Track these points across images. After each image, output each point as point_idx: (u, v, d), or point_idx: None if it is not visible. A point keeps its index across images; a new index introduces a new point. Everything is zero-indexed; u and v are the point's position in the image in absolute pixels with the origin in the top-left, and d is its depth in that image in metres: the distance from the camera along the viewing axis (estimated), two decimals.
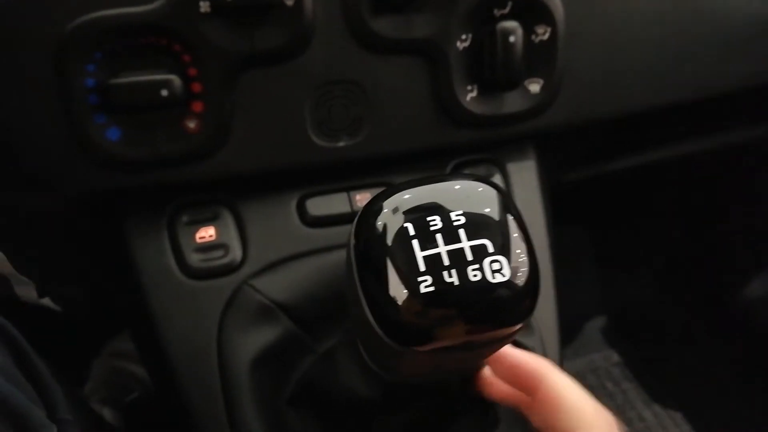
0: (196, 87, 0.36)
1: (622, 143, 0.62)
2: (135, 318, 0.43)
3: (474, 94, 0.41)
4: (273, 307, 0.38)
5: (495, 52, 0.39)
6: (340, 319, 0.40)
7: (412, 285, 0.21)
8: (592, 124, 0.45)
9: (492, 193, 0.23)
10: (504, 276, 0.22)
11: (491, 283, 0.21)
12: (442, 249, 0.22)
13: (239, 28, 0.36)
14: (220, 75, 0.36)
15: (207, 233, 0.40)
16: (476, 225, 0.22)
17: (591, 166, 0.66)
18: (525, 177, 0.45)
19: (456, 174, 0.24)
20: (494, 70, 0.40)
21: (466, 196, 0.23)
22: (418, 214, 0.22)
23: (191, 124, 0.37)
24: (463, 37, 0.39)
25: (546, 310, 0.43)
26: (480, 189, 0.23)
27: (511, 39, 0.39)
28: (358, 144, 0.40)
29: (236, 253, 0.40)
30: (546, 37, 0.40)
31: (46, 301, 0.44)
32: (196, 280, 0.39)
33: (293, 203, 0.42)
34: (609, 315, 1.06)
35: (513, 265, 0.22)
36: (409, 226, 0.22)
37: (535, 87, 0.41)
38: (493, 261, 0.22)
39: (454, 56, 0.39)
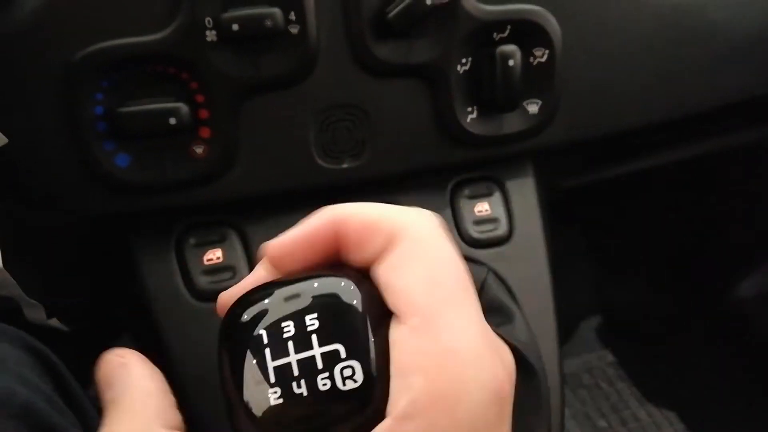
0: (204, 113, 0.37)
1: (619, 151, 0.63)
2: (144, 335, 0.43)
3: (474, 115, 0.42)
4: None
5: (494, 75, 0.40)
6: None
7: (261, 396, 0.21)
8: (589, 141, 0.46)
9: (351, 290, 0.22)
10: (356, 382, 0.20)
11: (341, 391, 0.20)
12: (293, 358, 0.21)
13: (245, 55, 0.36)
14: (226, 101, 0.37)
15: (214, 255, 0.41)
16: (330, 329, 0.21)
17: (588, 173, 0.67)
18: (524, 194, 0.46)
19: (322, 271, 0.23)
20: (494, 92, 0.41)
21: (324, 296, 0.22)
22: (275, 320, 0.21)
23: (198, 150, 0.38)
24: (463, 60, 0.40)
25: (546, 332, 0.44)
26: (341, 285, 0.22)
27: (511, 63, 0.40)
28: (362, 165, 0.41)
29: (243, 274, 0.40)
30: (544, 59, 0.41)
31: (54, 322, 0.45)
32: (205, 302, 0.40)
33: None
34: (604, 315, 1.07)
35: (366, 368, 0.20)
36: (264, 333, 0.21)
37: (533, 108, 0.42)
38: (344, 367, 0.20)
39: (455, 79, 0.40)
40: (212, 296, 0.40)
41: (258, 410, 0.21)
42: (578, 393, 1.00)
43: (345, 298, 0.21)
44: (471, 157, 0.43)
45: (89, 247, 0.53)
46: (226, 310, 0.23)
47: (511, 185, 0.46)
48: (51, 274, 0.53)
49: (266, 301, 0.22)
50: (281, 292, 0.22)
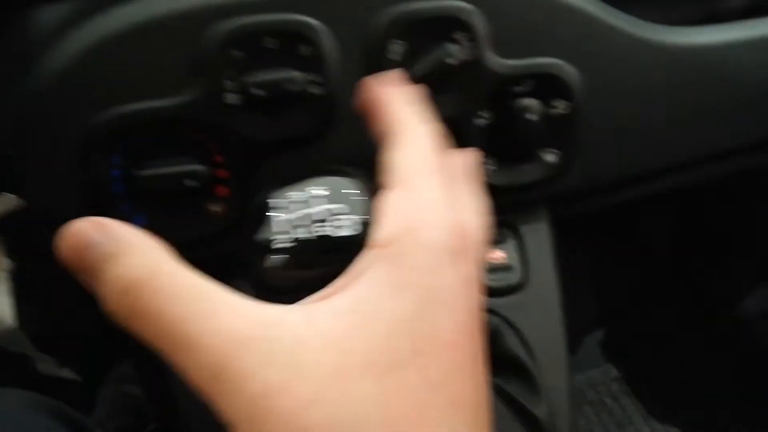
0: (222, 173, 0.37)
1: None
2: (151, 381, 0.43)
3: (491, 166, 0.42)
4: None
5: (514, 129, 0.40)
6: None
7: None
8: (605, 186, 0.46)
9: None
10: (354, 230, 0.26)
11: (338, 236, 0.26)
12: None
13: (267, 117, 0.36)
14: (246, 161, 0.37)
15: None
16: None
17: (595, 201, 0.67)
18: (538, 240, 0.46)
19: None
20: (513, 145, 0.40)
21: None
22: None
23: (216, 208, 0.37)
24: (484, 114, 0.40)
25: (558, 386, 0.44)
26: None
27: (530, 117, 0.39)
28: None
29: None
30: (564, 111, 0.41)
31: (66, 373, 0.45)
32: None
33: None
34: (607, 330, 1.08)
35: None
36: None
37: (551, 157, 0.42)
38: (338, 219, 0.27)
39: (474, 133, 0.40)
40: None
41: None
42: (582, 409, 1.01)
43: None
44: (487, 204, 0.43)
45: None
46: None
47: (525, 231, 0.46)
48: (57, 314, 0.53)
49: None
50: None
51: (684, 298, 0.97)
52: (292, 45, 0.35)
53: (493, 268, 0.44)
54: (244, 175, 0.37)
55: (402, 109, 0.30)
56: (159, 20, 0.34)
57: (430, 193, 0.26)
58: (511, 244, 0.45)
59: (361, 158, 0.40)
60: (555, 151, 0.42)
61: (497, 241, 0.45)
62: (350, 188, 0.29)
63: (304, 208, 0.27)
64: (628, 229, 1.00)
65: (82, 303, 0.62)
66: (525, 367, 0.39)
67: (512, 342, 0.41)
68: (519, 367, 0.39)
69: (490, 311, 0.43)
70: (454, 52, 0.37)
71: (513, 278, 0.44)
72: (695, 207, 0.89)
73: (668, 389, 1.00)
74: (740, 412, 0.89)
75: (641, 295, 1.03)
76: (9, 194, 0.36)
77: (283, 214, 0.27)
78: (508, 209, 0.45)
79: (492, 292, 0.44)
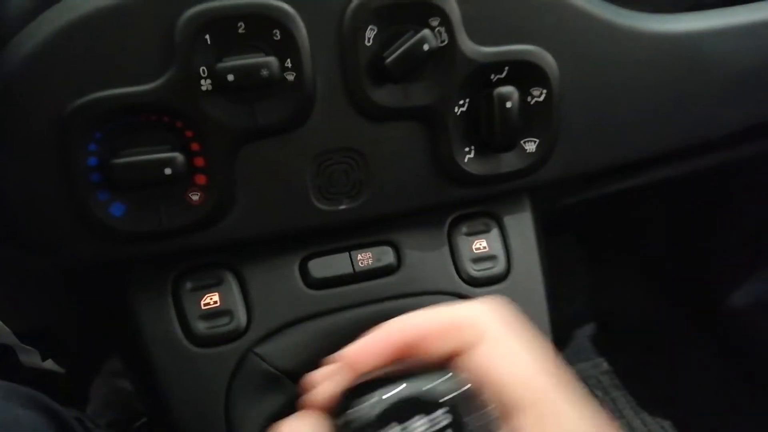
0: (199, 161, 0.37)
1: (615, 172, 0.63)
2: (140, 377, 0.43)
3: (471, 155, 0.41)
4: (279, 375, 0.39)
5: (492, 116, 0.40)
6: None
7: None
8: (586, 175, 0.46)
9: (463, 385, 0.23)
10: None
11: None
12: None
13: (241, 104, 0.36)
14: (222, 149, 0.37)
15: (211, 299, 0.40)
16: (462, 423, 0.22)
17: (586, 192, 0.67)
18: (521, 229, 0.46)
19: (413, 367, 0.24)
20: (491, 132, 0.40)
21: (444, 392, 0.23)
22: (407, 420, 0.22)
23: (195, 197, 0.37)
24: (461, 102, 0.40)
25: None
26: (453, 381, 0.23)
27: (508, 104, 0.39)
28: (359, 206, 0.41)
29: (241, 319, 0.40)
30: (541, 98, 0.41)
31: (49, 364, 0.45)
32: (202, 347, 0.39)
33: (295, 265, 0.42)
34: (598, 323, 1.08)
35: None
36: None
37: (531, 146, 0.42)
38: None
39: (452, 120, 0.40)
40: (210, 342, 0.40)
41: None
42: None
43: (461, 392, 0.22)
44: (468, 195, 0.43)
45: (79, 281, 0.53)
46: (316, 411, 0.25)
47: (509, 221, 0.46)
48: (40, 304, 0.52)
49: (383, 398, 0.23)
50: (398, 392, 0.23)
51: (675, 292, 0.97)
52: (265, 30, 0.35)
53: (477, 258, 0.44)
54: (222, 164, 0.37)
55: (464, 308, 0.27)
56: (129, 4, 0.34)
57: (577, 417, 0.23)
58: (494, 233, 0.45)
59: (340, 147, 0.41)
60: (534, 140, 0.42)
61: (480, 231, 0.45)
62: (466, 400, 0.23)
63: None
64: (619, 224, 1.00)
65: (71, 298, 0.62)
66: None
67: None
68: None
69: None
70: (429, 38, 0.37)
71: (497, 268, 0.44)
72: (686, 201, 0.89)
73: (658, 382, 1.00)
74: (730, 404, 0.89)
75: (632, 289, 1.03)
76: None
77: None
78: (490, 199, 0.45)
79: (475, 282, 0.44)
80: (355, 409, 0.23)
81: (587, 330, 1.08)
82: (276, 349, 0.40)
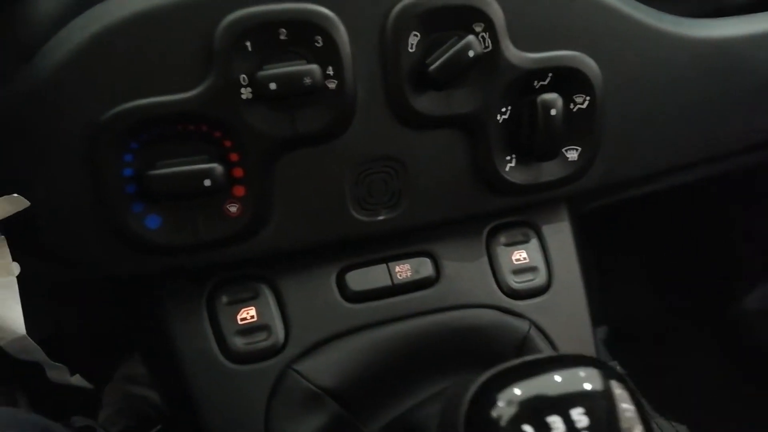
0: (238, 172, 0.35)
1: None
2: (171, 391, 0.42)
3: (512, 163, 0.40)
4: (320, 394, 0.37)
5: (535, 125, 0.39)
6: (387, 400, 0.39)
7: None
8: (627, 183, 0.45)
9: (607, 382, 0.22)
10: None
11: None
12: None
13: (281, 112, 0.35)
14: (261, 159, 0.35)
15: (248, 314, 0.39)
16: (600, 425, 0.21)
17: (612, 197, 0.66)
18: (561, 239, 0.45)
19: (562, 357, 0.22)
20: (533, 141, 0.39)
21: (583, 388, 0.21)
22: (537, 414, 0.21)
23: (232, 209, 0.36)
24: (503, 109, 0.39)
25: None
26: (598, 377, 0.22)
27: (552, 112, 0.38)
28: (398, 216, 0.40)
29: (279, 334, 0.39)
30: (584, 105, 0.40)
31: (77, 380, 0.43)
32: (240, 364, 0.38)
33: (332, 278, 0.41)
34: (611, 326, 1.07)
35: None
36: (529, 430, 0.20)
37: (573, 154, 0.41)
38: None
39: (494, 128, 0.39)
40: (248, 358, 0.39)
41: None
42: None
43: (605, 389, 0.21)
44: (507, 204, 0.42)
45: (92, 289, 0.51)
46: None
47: (548, 230, 0.45)
48: (49, 312, 0.51)
49: (517, 393, 0.21)
50: (529, 386, 0.21)
51: (688, 295, 0.97)
52: (307, 37, 0.34)
53: (517, 270, 0.43)
54: (260, 174, 0.36)
55: None
56: (166, 9, 0.33)
57: None
58: (534, 244, 0.44)
59: (380, 156, 0.39)
60: (576, 147, 0.41)
61: (519, 241, 0.44)
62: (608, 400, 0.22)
63: None
64: (633, 226, 0.99)
65: (86, 304, 0.61)
66: None
67: (543, 347, 0.40)
68: None
69: (518, 315, 0.41)
70: (474, 44, 0.36)
71: (538, 280, 0.43)
72: (700, 203, 0.88)
73: (673, 386, 0.99)
74: (744, 408, 0.89)
75: (646, 292, 1.02)
76: (14, 195, 0.34)
77: None
78: (527, 208, 0.44)
79: (517, 294, 0.43)
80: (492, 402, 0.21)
81: (600, 333, 1.07)
82: (316, 366, 0.38)
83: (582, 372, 0.22)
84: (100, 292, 0.55)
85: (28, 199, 0.34)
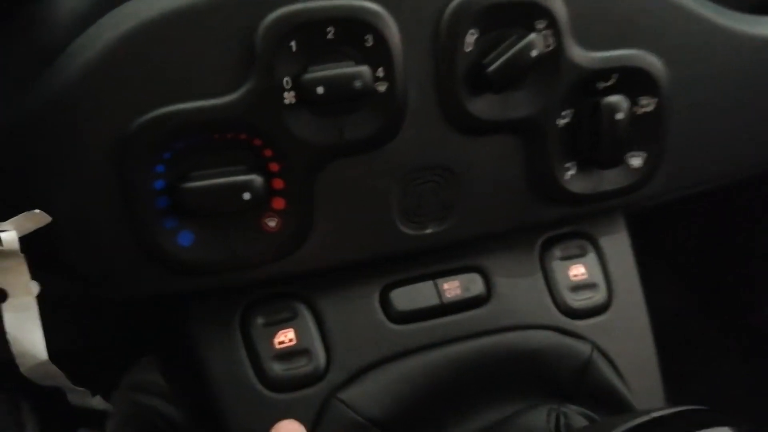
0: (278, 183, 0.32)
1: None
2: (204, 423, 0.39)
3: (573, 171, 0.37)
4: (367, 425, 0.34)
5: (599, 129, 0.35)
6: (436, 429, 0.36)
7: None
8: (690, 192, 0.42)
9: None
10: None
11: None
12: None
13: (326, 118, 0.32)
14: (304, 169, 0.32)
15: (286, 337, 0.36)
16: None
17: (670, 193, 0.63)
18: (620, 252, 0.41)
19: (691, 413, 0.20)
20: (596, 147, 0.36)
21: None
22: None
23: (271, 223, 0.33)
24: (563, 113, 0.36)
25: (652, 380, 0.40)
26: None
27: (618, 116, 0.35)
28: (447, 229, 0.37)
29: (320, 359, 0.36)
30: (650, 108, 0.37)
31: (97, 402, 0.41)
32: (279, 392, 0.35)
33: (376, 296, 0.38)
34: None
35: None
36: None
37: (637, 161, 0.38)
38: None
39: (553, 133, 0.36)
40: (288, 386, 0.35)
41: None
42: None
43: None
44: (564, 215, 0.39)
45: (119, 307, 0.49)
46: None
47: (605, 242, 0.41)
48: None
49: None
50: None
51: (706, 303, 0.93)
52: (356, 36, 0.31)
53: (575, 287, 0.40)
54: (302, 186, 0.33)
55: None
56: (202, 6, 0.30)
57: None
58: (591, 257, 0.41)
59: (430, 165, 0.36)
60: (640, 154, 0.38)
61: (576, 255, 0.41)
62: None
63: None
64: (651, 231, 0.96)
65: (92, 316, 0.58)
66: (625, 400, 0.35)
67: (607, 372, 0.36)
68: (617, 400, 0.35)
69: (579, 336, 0.38)
70: (537, 43, 0.33)
71: (597, 297, 0.40)
72: (722, 209, 0.85)
73: (697, 391, 0.96)
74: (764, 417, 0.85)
75: (662, 299, 0.99)
76: (35, 211, 0.31)
77: None
78: (584, 218, 0.41)
79: (575, 314, 0.39)
80: None
81: None
82: (361, 395, 0.35)
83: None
84: (111, 309, 0.52)
85: (50, 214, 0.31)
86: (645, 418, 0.21)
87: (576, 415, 0.34)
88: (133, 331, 0.62)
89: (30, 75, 0.30)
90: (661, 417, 0.21)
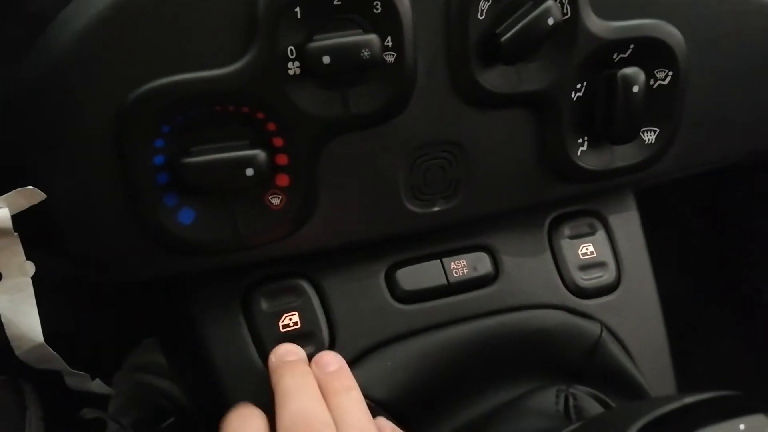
0: (282, 159, 0.31)
1: None
2: (207, 406, 0.38)
3: (584, 147, 0.36)
4: (372, 406, 0.34)
5: (614, 103, 0.34)
6: (444, 412, 0.36)
7: None
8: (702, 169, 0.41)
9: None
10: None
11: None
12: None
13: (332, 90, 0.30)
14: (308, 144, 0.31)
15: (290, 320, 0.35)
16: None
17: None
18: (629, 231, 0.40)
19: (724, 399, 0.19)
20: (611, 122, 0.35)
21: None
22: None
23: (275, 200, 0.32)
24: (578, 86, 0.34)
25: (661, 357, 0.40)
26: None
27: (635, 89, 0.34)
28: (455, 207, 0.36)
29: (324, 340, 0.35)
30: (666, 81, 0.36)
31: (96, 385, 0.40)
32: None
33: (381, 276, 0.37)
34: None
35: None
36: None
37: (650, 136, 0.37)
38: None
39: (567, 107, 0.35)
40: None
41: None
42: None
43: None
44: (574, 192, 0.38)
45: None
46: None
47: (615, 220, 0.40)
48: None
49: None
50: None
51: (715, 280, 0.93)
52: (364, 2, 0.29)
53: (584, 265, 0.39)
54: (307, 161, 0.31)
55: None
56: None
57: None
58: (601, 236, 0.40)
59: (439, 140, 0.35)
60: (654, 129, 0.37)
61: (585, 234, 0.40)
62: None
63: None
64: (658, 211, 0.95)
65: (87, 298, 0.57)
66: (635, 380, 0.34)
67: (617, 352, 0.36)
68: (627, 380, 0.34)
69: (588, 316, 0.37)
70: (553, 10, 0.31)
71: (606, 276, 0.39)
72: (726, 189, 0.85)
73: (698, 370, 0.96)
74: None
75: (671, 280, 0.99)
76: (29, 187, 0.30)
77: None
78: (593, 195, 0.40)
79: (584, 293, 0.39)
80: None
81: None
82: (366, 376, 0.34)
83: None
84: (108, 290, 0.51)
85: (45, 192, 0.29)
86: (677, 404, 0.20)
87: (585, 396, 0.34)
88: (130, 312, 0.62)
89: (22, 44, 0.28)
90: (694, 403, 0.20)
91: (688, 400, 0.20)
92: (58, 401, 0.55)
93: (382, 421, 0.34)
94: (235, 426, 0.30)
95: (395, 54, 0.30)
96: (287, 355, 0.34)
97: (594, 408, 0.33)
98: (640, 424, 0.19)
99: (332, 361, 0.33)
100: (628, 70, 0.34)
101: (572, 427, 0.24)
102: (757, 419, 0.19)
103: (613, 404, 0.34)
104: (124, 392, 0.63)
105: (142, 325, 0.62)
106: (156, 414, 0.62)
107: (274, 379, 0.32)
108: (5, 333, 0.34)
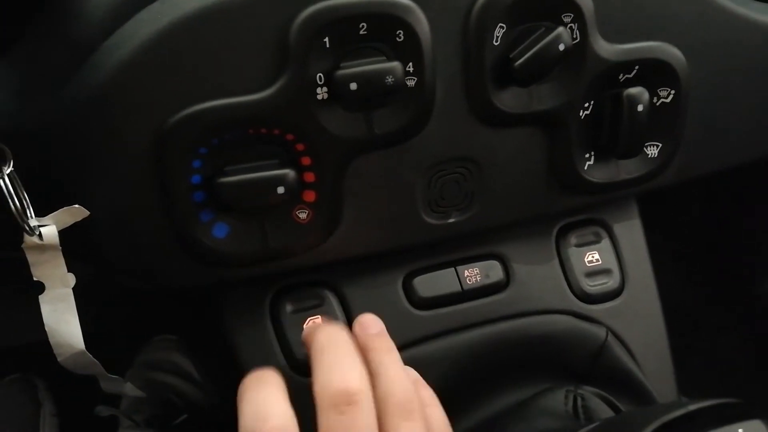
0: (309, 177, 0.33)
1: None
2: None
3: (591, 161, 0.38)
4: None
5: (619, 120, 0.36)
6: (458, 413, 0.38)
7: None
8: (701, 178, 0.43)
9: None
10: None
11: None
12: None
13: (357, 112, 0.32)
14: (334, 163, 0.33)
15: (314, 323, 0.37)
16: None
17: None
18: (633, 238, 0.43)
19: (726, 406, 0.21)
20: (616, 137, 0.37)
21: None
22: None
23: (302, 215, 0.34)
24: (586, 105, 0.36)
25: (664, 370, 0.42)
26: None
27: (639, 107, 0.36)
28: (469, 219, 0.38)
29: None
30: (668, 99, 0.38)
31: (129, 389, 0.42)
32: (308, 377, 0.36)
33: (399, 283, 0.39)
34: None
35: None
36: None
37: (653, 151, 0.39)
38: None
39: (575, 125, 0.37)
40: None
41: None
42: None
43: None
44: (581, 203, 0.40)
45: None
46: None
47: (619, 229, 0.43)
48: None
49: None
50: None
51: (709, 276, 0.96)
52: (388, 31, 0.31)
53: (590, 272, 0.41)
54: (332, 179, 0.33)
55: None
56: (237, 2, 0.30)
57: None
58: (605, 244, 0.42)
59: (456, 157, 0.37)
60: (656, 144, 0.39)
61: (591, 242, 0.42)
62: None
63: None
64: (658, 212, 0.97)
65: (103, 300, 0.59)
66: (638, 381, 0.36)
67: (621, 355, 0.38)
68: (631, 382, 0.37)
69: (595, 321, 0.40)
70: (564, 36, 0.33)
71: (611, 282, 0.41)
72: (724, 184, 0.87)
73: (696, 365, 0.98)
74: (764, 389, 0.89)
75: (665, 274, 1.01)
76: (74, 206, 0.32)
77: None
78: (598, 206, 0.42)
79: (590, 299, 0.41)
80: None
81: None
82: None
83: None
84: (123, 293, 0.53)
85: (89, 209, 0.31)
86: (681, 411, 0.22)
87: (593, 396, 0.36)
88: (140, 310, 0.63)
89: (67, 71, 0.30)
90: (697, 410, 0.22)
91: (692, 406, 0.22)
92: (71, 398, 0.57)
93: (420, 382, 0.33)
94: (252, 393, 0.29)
95: (416, 78, 0.32)
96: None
97: (601, 408, 0.35)
98: (648, 431, 0.21)
99: (373, 324, 0.32)
100: (634, 90, 0.36)
101: (583, 430, 0.26)
102: (755, 425, 0.21)
103: (618, 404, 0.36)
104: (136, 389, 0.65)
105: (152, 323, 0.64)
106: (168, 411, 0.64)
107: (309, 340, 0.30)
108: (18, 336, 0.36)
